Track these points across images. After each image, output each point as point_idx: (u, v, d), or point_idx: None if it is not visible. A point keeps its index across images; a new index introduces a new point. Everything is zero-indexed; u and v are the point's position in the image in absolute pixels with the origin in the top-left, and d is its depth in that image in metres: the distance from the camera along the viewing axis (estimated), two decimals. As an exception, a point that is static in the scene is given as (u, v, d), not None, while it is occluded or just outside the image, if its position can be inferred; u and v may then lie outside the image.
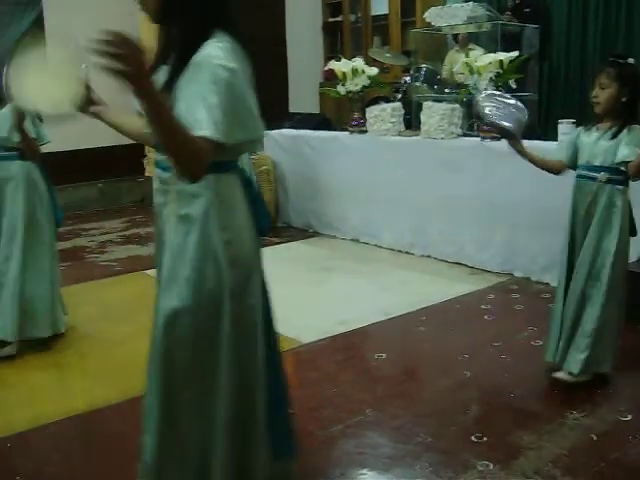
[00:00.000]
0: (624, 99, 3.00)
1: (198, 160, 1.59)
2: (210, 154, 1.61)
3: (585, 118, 6.56)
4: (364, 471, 2.56)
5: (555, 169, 3.26)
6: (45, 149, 3.70)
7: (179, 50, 1.72)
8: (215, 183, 1.77)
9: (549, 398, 3.07)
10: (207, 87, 1.63)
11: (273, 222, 6.56)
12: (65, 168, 6.54)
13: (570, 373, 3.11)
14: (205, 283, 1.78)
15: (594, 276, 3.08)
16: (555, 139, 4.76)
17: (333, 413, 2.97)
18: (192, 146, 1.57)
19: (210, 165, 1.64)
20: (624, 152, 2.98)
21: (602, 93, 3.02)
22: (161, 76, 1.75)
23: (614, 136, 3.01)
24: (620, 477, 2.48)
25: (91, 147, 7.48)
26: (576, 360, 3.08)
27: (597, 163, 3.06)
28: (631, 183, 3.08)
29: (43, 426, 2.91)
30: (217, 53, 1.66)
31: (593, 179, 3.07)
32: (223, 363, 1.82)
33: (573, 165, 3.20)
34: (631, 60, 3.08)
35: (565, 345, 3.13)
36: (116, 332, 3.90)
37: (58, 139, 3.86)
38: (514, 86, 5.00)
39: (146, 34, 8.11)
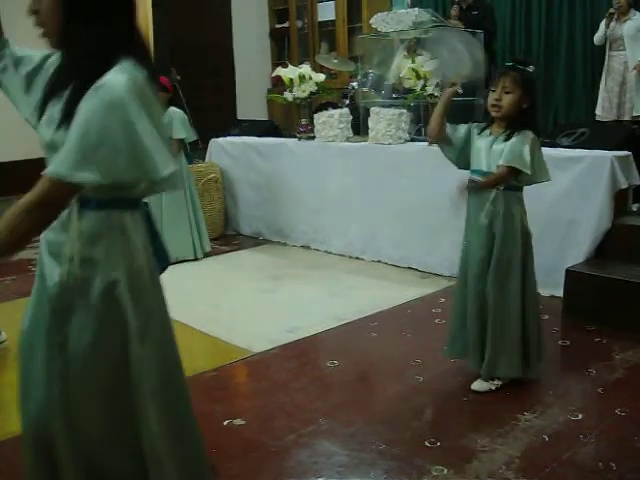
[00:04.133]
0: (525, 105, 2.97)
1: (38, 210, 1.55)
2: (54, 192, 1.54)
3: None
4: (319, 480, 2.54)
5: (435, 134, 3.14)
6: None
7: (79, 76, 1.56)
8: (118, 222, 1.68)
9: (501, 400, 3.07)
10: (88, 119, 1.50)
11: (221, 230, 6.51)
12: (10, 179, 6.38)
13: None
14: (108, 331, 1.69)
15: (503, 284, 3.07)
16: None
17: (286, 423, 2.93)
18: (29, 214, 1.54)
19: (111, 201, 1.62)
20: (506, 156, 2.96)
21: (505, 97, 2.95)
22: (57, 103, 1.62)
23: (507, 139, 2.98)
24: (572, 476, 2.49)
25: (34, 158, 7.32)
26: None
27: (493, 170, 3.01)
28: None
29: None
30: (116, 82, 1.51)
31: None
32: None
33: (454, 157, 3.18)
34: (531, 68, 3.05)
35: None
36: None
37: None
38: (460, 90, 5.01)
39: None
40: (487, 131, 3.08)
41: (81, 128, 1.49)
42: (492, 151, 3.01)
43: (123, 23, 1.63)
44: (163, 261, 1.85)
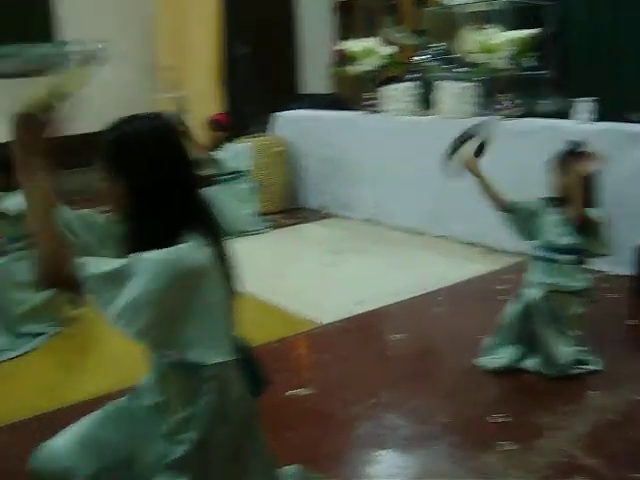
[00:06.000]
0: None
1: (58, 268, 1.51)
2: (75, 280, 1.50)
3: (607, 97, 6.35)
4: (383, 452, 2.56)
5: (499, 205, 3.29)
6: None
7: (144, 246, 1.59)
8: (211, 378, 1.69)
9: (568, 378, 3.03)
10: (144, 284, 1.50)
11: (286, 204, 6.55)
12: (78, 151, 6.55)
13: None
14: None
15: None
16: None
17: (351, 394, 2.97)
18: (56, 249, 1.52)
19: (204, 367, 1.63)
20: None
21: (561, 180, 3.09)
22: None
23: (575, 221, 3.08)
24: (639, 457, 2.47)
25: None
26: None
27: (560, 245, 3.12)
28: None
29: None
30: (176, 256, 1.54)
31: (555, 261, 3.13)
32: None
33: (517, 224, 3.30)
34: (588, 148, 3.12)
35: None
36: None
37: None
38: (529, 64, 4.93)
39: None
40: (556, 208, 3.16)
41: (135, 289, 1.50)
42: (558, 228, 3.13)
43: (186, 197, 1.67)
44: (259, 386, 1.90)
